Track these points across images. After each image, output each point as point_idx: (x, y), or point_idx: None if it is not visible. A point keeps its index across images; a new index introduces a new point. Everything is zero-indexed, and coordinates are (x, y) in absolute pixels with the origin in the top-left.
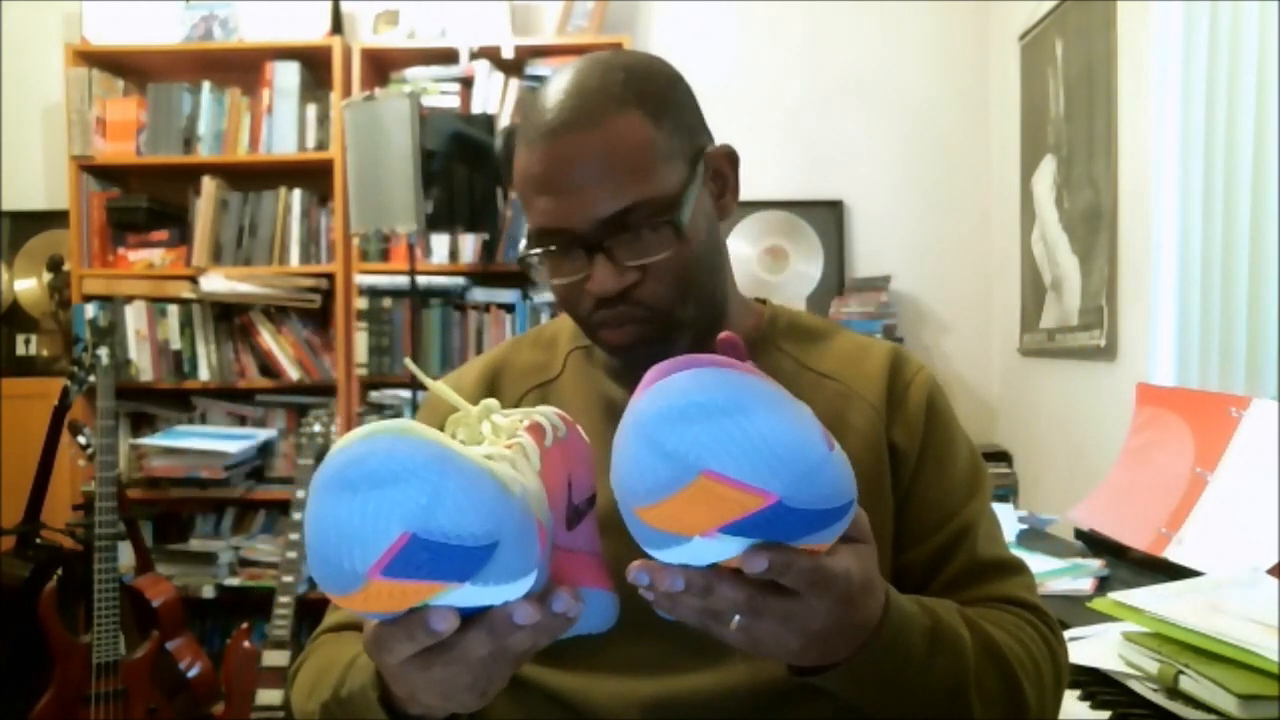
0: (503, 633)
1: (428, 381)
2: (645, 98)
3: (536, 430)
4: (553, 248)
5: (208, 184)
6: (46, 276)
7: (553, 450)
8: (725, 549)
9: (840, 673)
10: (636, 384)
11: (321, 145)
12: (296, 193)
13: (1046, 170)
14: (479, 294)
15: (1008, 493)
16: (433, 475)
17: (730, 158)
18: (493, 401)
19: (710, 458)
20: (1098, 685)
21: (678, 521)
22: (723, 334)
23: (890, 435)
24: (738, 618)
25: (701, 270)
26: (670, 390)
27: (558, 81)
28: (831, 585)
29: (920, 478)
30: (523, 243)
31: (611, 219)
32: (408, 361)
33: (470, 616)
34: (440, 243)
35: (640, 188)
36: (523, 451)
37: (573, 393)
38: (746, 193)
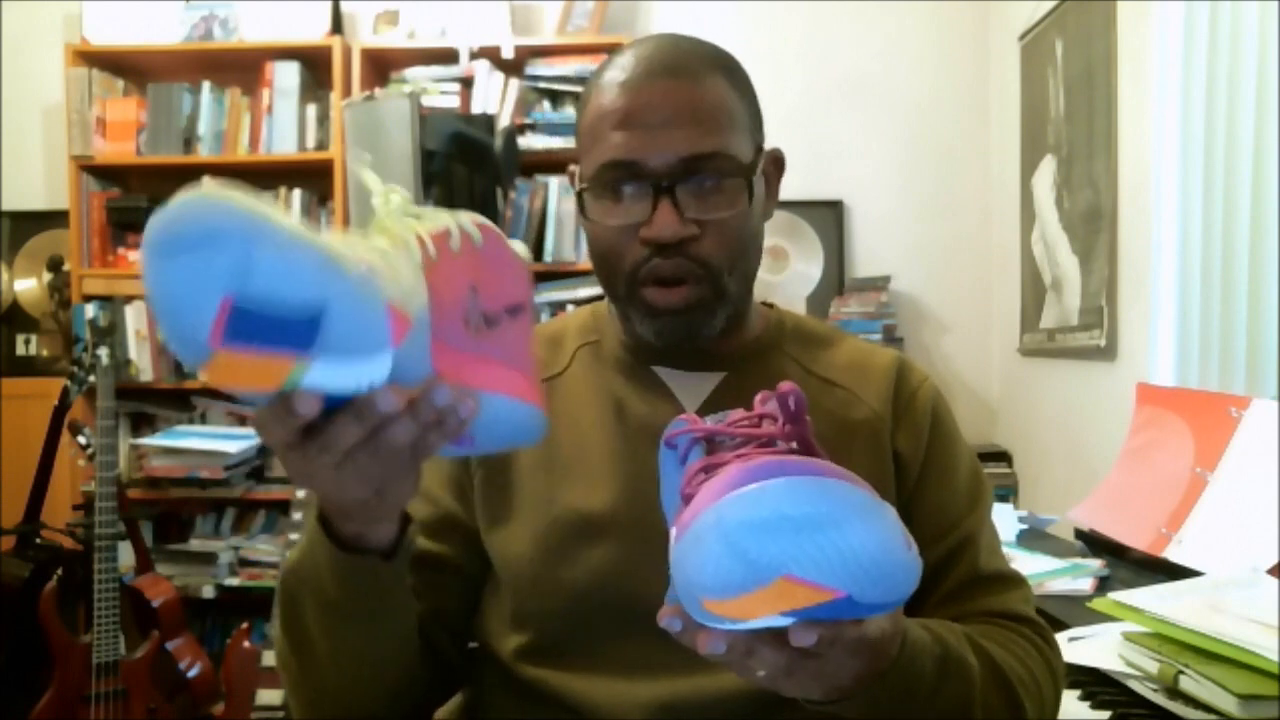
0: (369, 417)
1: (363, 175)
2: (732, 71)
3: (440, 236)
4: (620, 184)
5: (208, 184)
6: (46, 276)
7: (459, 256)
8: (777, 622)
9: (851, 703)
10: (645, 381)
11: (321, 145)
12: (296, 193)
13: (1046, 170)
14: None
15: (1008, 493)
16: (241, 239)
17: (779, 162)
18: (398, 197)
19: (793, 565)
20: (1098, 685)
21: (742, 611)
22: (784, 384)
23: (895, 443)
24: (761, 674)
25: (750, 248)
26: (761, 501)
27: (652, 39)
28: (867, 650)
29: (923, 487)
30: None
31: (689, 161)
32: (365, 170)
33: (340, 404)
34: None
35: (722, 139)
36: (405, 246)
37: (578, 388)
38: None
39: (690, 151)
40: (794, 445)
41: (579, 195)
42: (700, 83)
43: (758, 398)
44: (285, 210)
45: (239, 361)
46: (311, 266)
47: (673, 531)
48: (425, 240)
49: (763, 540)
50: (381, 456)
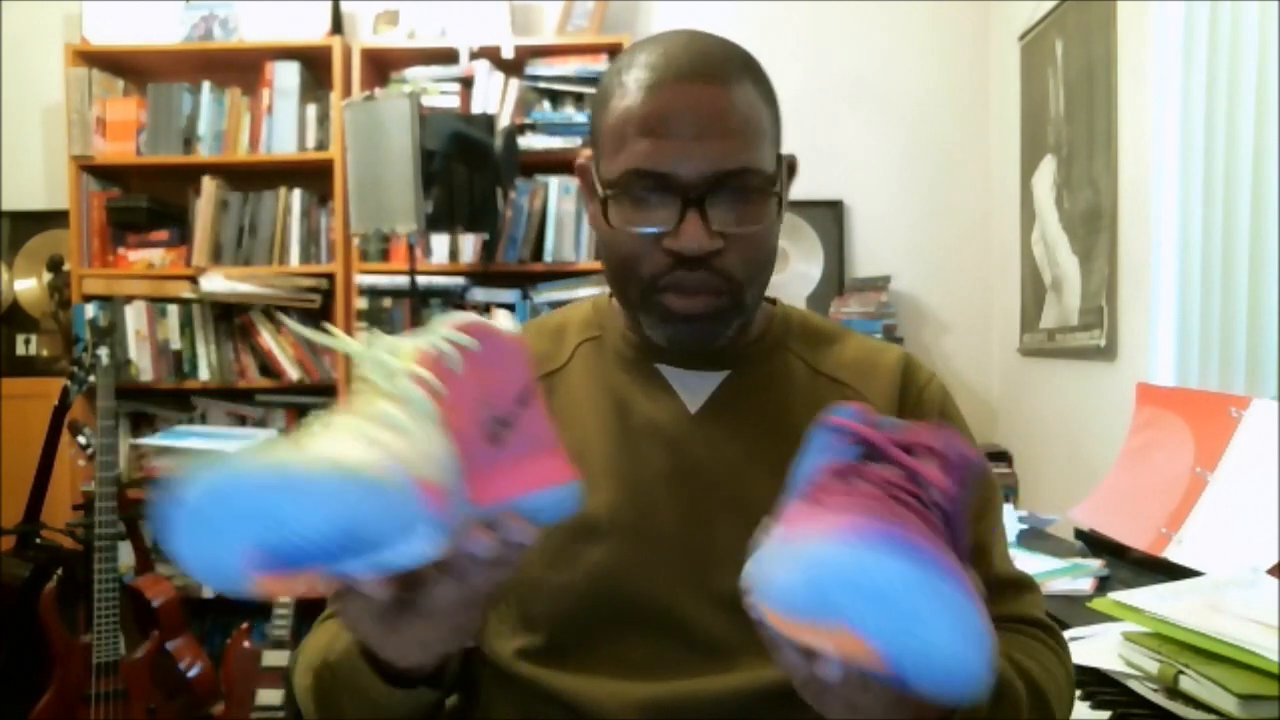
0: (467, 574)
1: (331, 334)
2: (758, 77)
3: (433, 363)
4: (646, 193)
5: (208, 184)
6: (46, 276)
7: (462, 374)
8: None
9: None
10: (648, 379)
11: (321, 145)
12: (296, 193)
13: (1046, 170)
14: (479, 294)
15: (1008, 493)
16: (260, 512)
17: (793, 168)
18: (378, 350)
19: (861, 625)
20: (1098, 685)
21: (792, 634)
22: (972, 452)
23: None
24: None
25: (770, 259)
26: (865, 564)
27: (674, 37)
28: (909, 708)
29: None
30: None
31: (720, 176)
32: (327, 326)
33: (425, 568)
34: (440, 243)
35: (753, 154)
36: (411, 402)
37: (579, 383)
38: None
39: (722, 166)
40: (943, 510)
41: (602, 200)
42: (731, 90)
43: (939, 437)
44: (300, 432)
45: (280, 582)
46: (333, 494)
47: (783, 517)
48: (426, 378)
49: (847, 595)
50: (470, 606)
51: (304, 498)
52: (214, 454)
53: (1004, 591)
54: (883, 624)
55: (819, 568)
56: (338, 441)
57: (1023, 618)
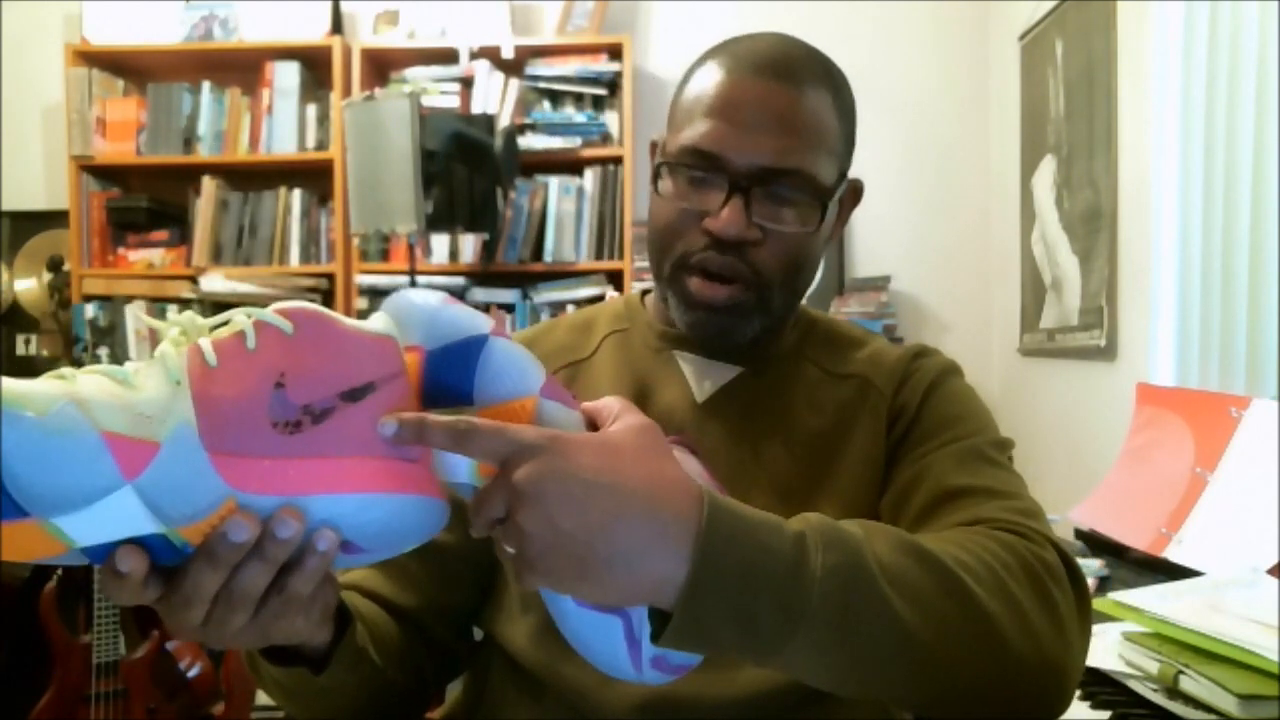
0: (223, 557)
1: (145, 320)
2: (839, 90)
3: (228, 340)
4: (698, 171)
5: (208, 184)
6: (46, 276)
7: (255, 353)
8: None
9: (693, 588)
10: (666, 368)
11: (321, 145)
12: (296, 193)
13: (1046, 170)
14: (479, 294)
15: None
16: None
17: (858, 193)
18: (174, 321)
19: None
20: (1098, 685)
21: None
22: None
23: (893, 404)
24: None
25: (806, 268)
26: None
27: (766, 34)
28: (489, 436)
29: (910, 438)
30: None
31: (770, 171)
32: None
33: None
34: (440, 243)
35: (809, 160)
36: (159, 362)
37: (603, 372)
38: None
39: (773, 161)
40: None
41: (655, 169)
42: (803, 93)
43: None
44: None
45: (4, 535)
46: None
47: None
48: (204, 349)
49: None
50: (243, 607)
51: None
52: None
53: (958, 499)
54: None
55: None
56: (33, 381)
57: (975, 520)
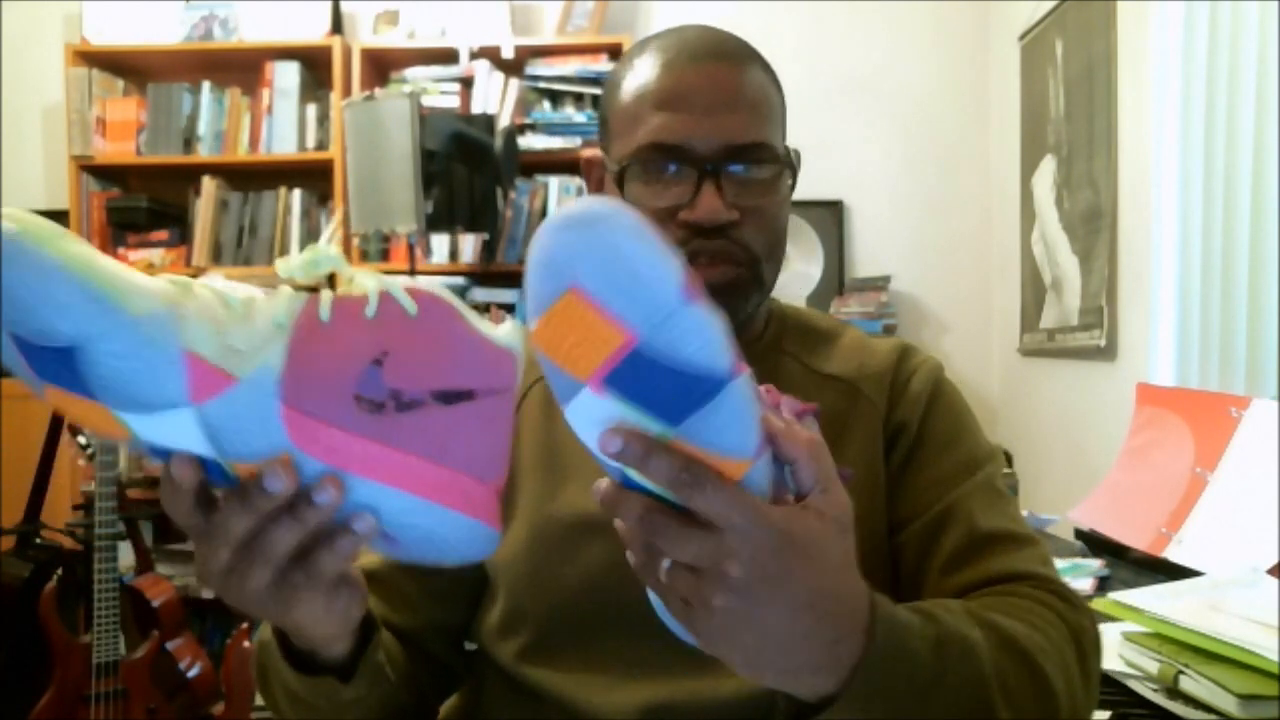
0: (256, 502)
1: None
2: (768, 68)
3: (351, 300)
4: (663, 168)
5: (208, 184)
6: None
7: (371, 323)
8: (615, 415)
9: (842, 703)
10: None
11: (321, 145)
12: (296, 193)
13: (1046, 170)
14: (479, 294)
15: (1008, 493)
16: (10, 264)
17: (797, 161)
18: (327, 251)
19: (579, 268)
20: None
21: (561, 347)
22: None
23: (890, 419)
24: (665, 564)
25: (782, 241)
26: (562, 210)
27: (685, 27)
28: (731, 507)
29: (917, 459)
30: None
31: (735, 149)
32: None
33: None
34: (440, 243)
35: (765, 130)
36: (280, 298)
37: None
38: None
39: (736, 139)
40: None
41: (617, 176)
42: (744, 70)
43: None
44: (79, 240)
45: (65, 402)
46: (76, 298)
47: None
48: (322, 301)
49: (554, 236)
50: (268, 565)
51: (47, 282)
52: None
53: (989, 546)
54: (590, 250)
55: (536, 241)
56: (147, 279)
57: (1014, 574)
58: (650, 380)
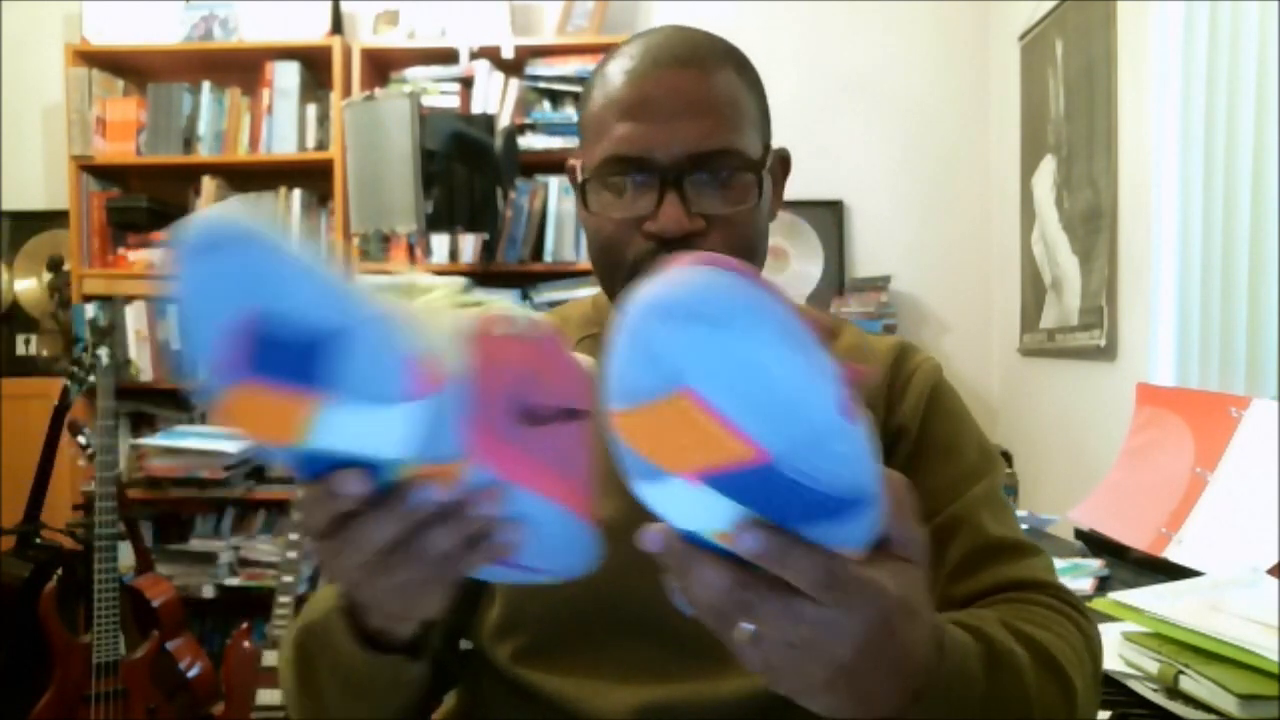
0: (407, 514)
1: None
2: (741, 65)
3: (497, 318)
4: (625, 177)
5: (208, 184)
6: (46, 276)
7: (514, 341)
8: (712, 511)
9: None
10: None
11: (321, 145)
12: (296, 193)
13: (1046, 170)
14: (479, 294)
15: (1008, 493)
16: (267, 241)
17: (786, 162)
18: (455, 286)
19: (693, 373)
20: None
21: (654, 443)
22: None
23: (889, 422)
24: (749, 628)
25: (758, 247)
26: (669, 284)
27: (658, 30)
28: (853, 593)
29: (921, 464)
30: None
31: (698, 157)
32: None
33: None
34: (440, 243)
35: (732, 136)
36: (450, 312)
37: None
38: None
39: (698, 146)
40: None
41: (581, 187)
42: (710, 74)
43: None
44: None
45: (257, 398)
46: (332, 289)
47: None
48: (512, 319)
49: (663, 326)
50: (415, 565)
51: (310, 270)
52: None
53: (999, 554)
54: (713, 350)
55: (634, 312)
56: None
57: (1025, 581)
58: (776, 495)
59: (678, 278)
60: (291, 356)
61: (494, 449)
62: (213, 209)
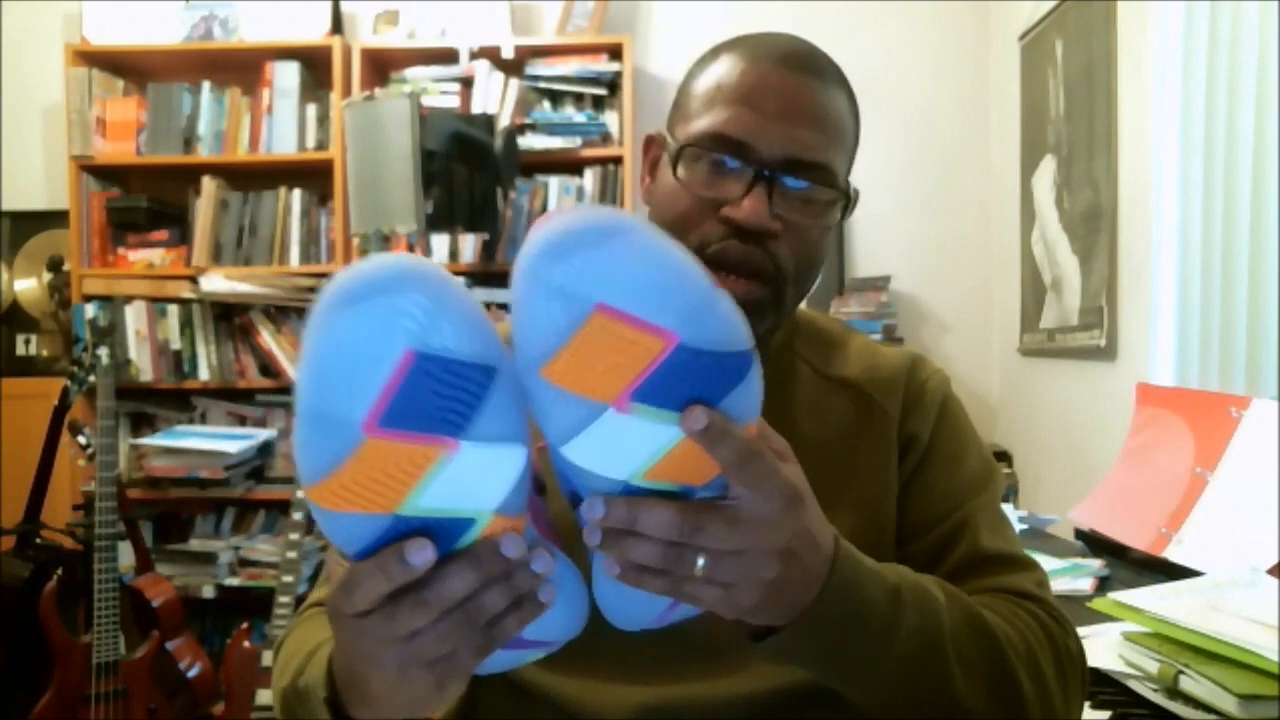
0: (487, 564)
1: None
2: (852, 96)
3: None
4: (721, 159)
5: (208, 184)
6: (46, 276)
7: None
8: (643, 437)
9: (796, 628)
10: None
11: (321, 145)
12: (296, 193)
13: (1046, 170)
14: (479, 294)
15: (1008, 493)
16: (436, 284)
17: (854, 199)
18: None
19: (601, 288)
20: (1098, 685)
21: (583, 378)
22: None
23: (903, 429)
24: (701, 562)
25: (816, 268)
26: (551, 225)
27: (783, 34)
28: (764, 467)
29: (926, 472)
30: (665, 139)
31: (796, 162)
32: None
33: (443, 559)
34: (440, 243)
35: (832, 155)
36: None
37: None
38: None
39: (801, 153)
40: None
41: (675, 156)
42: (827, 88)
43: None
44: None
45: (384, 452)
46: (487, 325)
47: None
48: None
49: (561, 261)
50: (472, 629)
51: (472, 310)
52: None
53: (990, 565)
54: (609, 262)
55: (531, 260)
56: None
57: (1012, 590)
58: (688, 376)
59: (550, 223)
60: (437, 400)
61: (544, 509)
62: (370, 257)
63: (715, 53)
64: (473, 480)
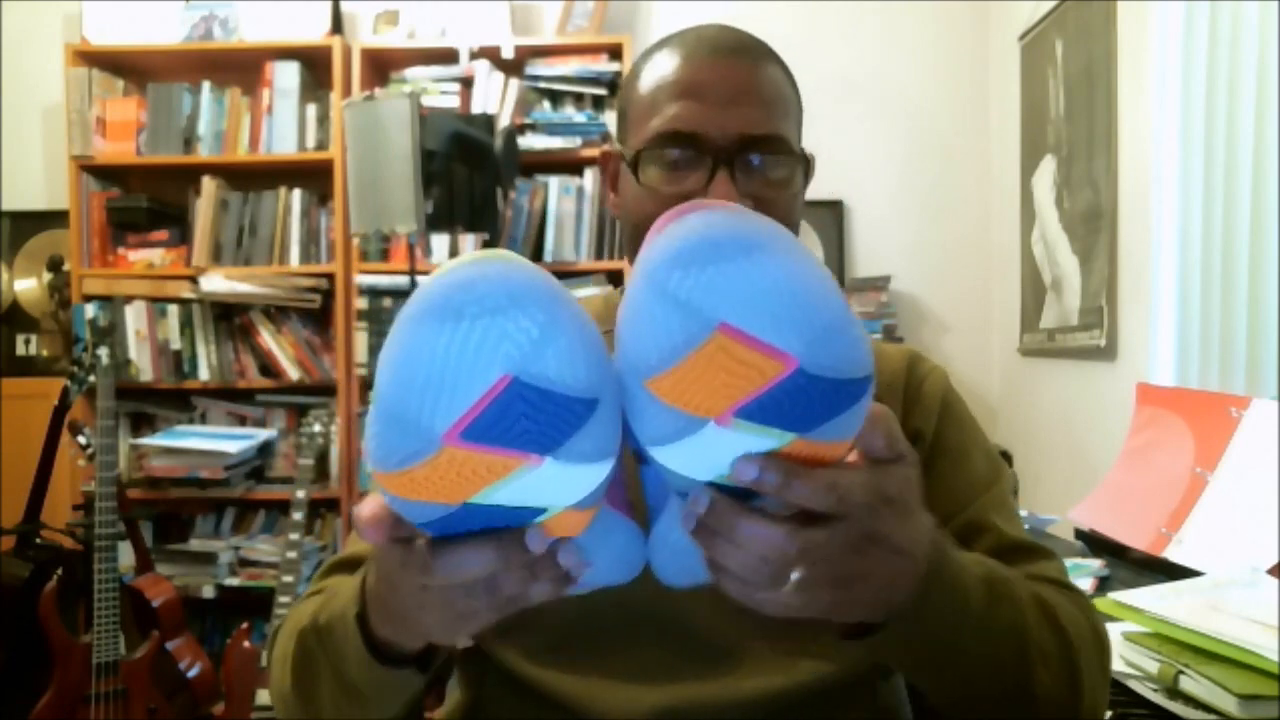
0: (509, 551)
1: None
2: (786, 70)
3: None
4: (678, 156)
5: (208, 184)
6: (46, 276)
7: None
8: (734, 450)
9: (896, 628)
10: None
11: (321, 145)
12: (296, 193)
13: (1046, 170)
14: None
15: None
16: (548, 306)
17: (811, 163)
18: None
19: (727, 307)
20: None
21: (690, 396)
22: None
23: (904, 424)
24: (795, 575)
25: (795, 234)
26: (683, 231)
27: (701, 27)
28: (854, 494)
29: (934, 468)
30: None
31: (749, 139)
32: None
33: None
34: (440, 243)
35: (781, 124)
36: None
37: None
38: None
39: (751, 130)
40: None
41: (632, 163)
42: (762, 66)
43: None
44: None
45: (464, 461)
46: (599, 355)
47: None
48: None
49: (690, 274)
50: (490, 600)
51: (584, 334)
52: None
53: (1016, 555)
54: (739, 279)
55: (654, 268)
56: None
57: (1043, 578)
58: (800, 399)
59: (683, 228)
60: (526, 424)
61: None
62: (479, 261)
63: (647, 56)
64: (552, 488)
